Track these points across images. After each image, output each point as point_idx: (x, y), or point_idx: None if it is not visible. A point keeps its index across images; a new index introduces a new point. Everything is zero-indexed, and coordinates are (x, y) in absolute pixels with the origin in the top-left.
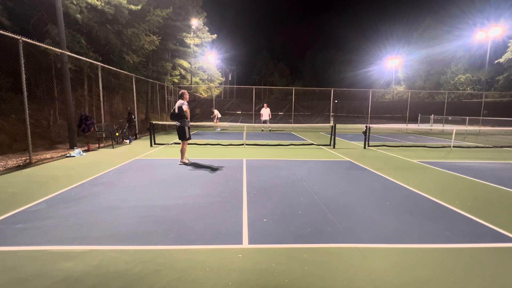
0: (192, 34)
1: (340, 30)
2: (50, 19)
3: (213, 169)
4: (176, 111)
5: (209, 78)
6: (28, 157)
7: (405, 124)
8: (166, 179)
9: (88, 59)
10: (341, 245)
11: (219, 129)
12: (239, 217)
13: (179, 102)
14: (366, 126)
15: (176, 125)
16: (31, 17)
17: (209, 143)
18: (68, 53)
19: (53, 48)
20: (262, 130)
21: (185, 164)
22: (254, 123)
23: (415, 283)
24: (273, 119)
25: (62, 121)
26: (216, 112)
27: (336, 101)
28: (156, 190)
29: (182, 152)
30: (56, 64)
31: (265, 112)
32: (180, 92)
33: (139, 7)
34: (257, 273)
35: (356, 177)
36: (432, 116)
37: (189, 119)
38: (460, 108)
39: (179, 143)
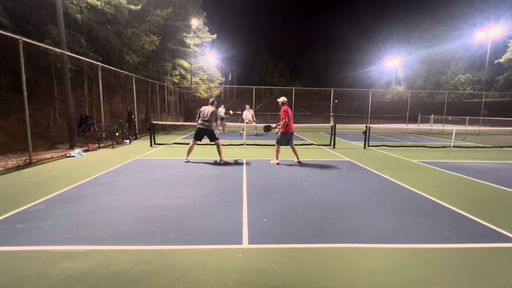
0: (192, 34)
1: (340, 30)
2: (50, 19)
3: (213, 169)
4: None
5: (209, 78)
6: (28, 157)
7: (405, 124)
8: (166, 179)
9: (88, 59)
10: (341, 245)
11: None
12: (239, 217)
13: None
14: (366, 126)
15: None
16: (31, 17)
17: (209, 143)
18: (68, 53)
19: (53, 48)
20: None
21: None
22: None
23: (415, 283)
24: (273, 119)
25: (62, 121)
26: (220, 110)
27: (336, 101)
28: (156, 190)
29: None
30: (56, 64)
31: (248, 114)
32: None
33: (139, 7)
34: (257, 273)
35: (356, 177)
36: (432, 116)
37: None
38: (460, 108)
39: (179, 143)
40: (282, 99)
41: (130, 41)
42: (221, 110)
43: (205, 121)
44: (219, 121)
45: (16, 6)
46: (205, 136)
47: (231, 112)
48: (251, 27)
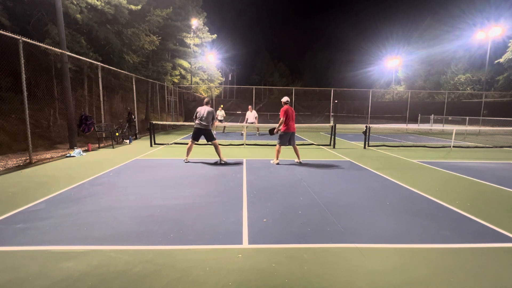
0: (192, 34)
1: (340, 30)
2: (50, 19)
3: (213, 169)
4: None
5: (209, 78)
6: (28, 157)
7: (405, 124)
8: (166, 179)
9: (88, 59)
10: (341, 245)
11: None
12: (239, 217)
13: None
14: (366, 126)
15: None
16: (31, 17)
17: (209, 143)
18: (68, 53)
19: (53, 48)
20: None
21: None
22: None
23: (415, 283)
24: (273, 119)
25: (62, 121)
26: (218, 112)
27: (336, 101)
28: (156, 190)
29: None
30: (56, 64)
31: (251, 115)
32: (206, 100)
33: (139, 7)
34: (257, 273)
35: (356, 177)
36: (432, 116)
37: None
38: (460, 108)
39: (179, 143)
40: (284, 99)
41: (130, 41)
42: (219, 113)
43: (203, 121)
44: (216, 121)
45: (16, 6)
46: (202, 136)
47: (221, 106)
48: (251, 27)
